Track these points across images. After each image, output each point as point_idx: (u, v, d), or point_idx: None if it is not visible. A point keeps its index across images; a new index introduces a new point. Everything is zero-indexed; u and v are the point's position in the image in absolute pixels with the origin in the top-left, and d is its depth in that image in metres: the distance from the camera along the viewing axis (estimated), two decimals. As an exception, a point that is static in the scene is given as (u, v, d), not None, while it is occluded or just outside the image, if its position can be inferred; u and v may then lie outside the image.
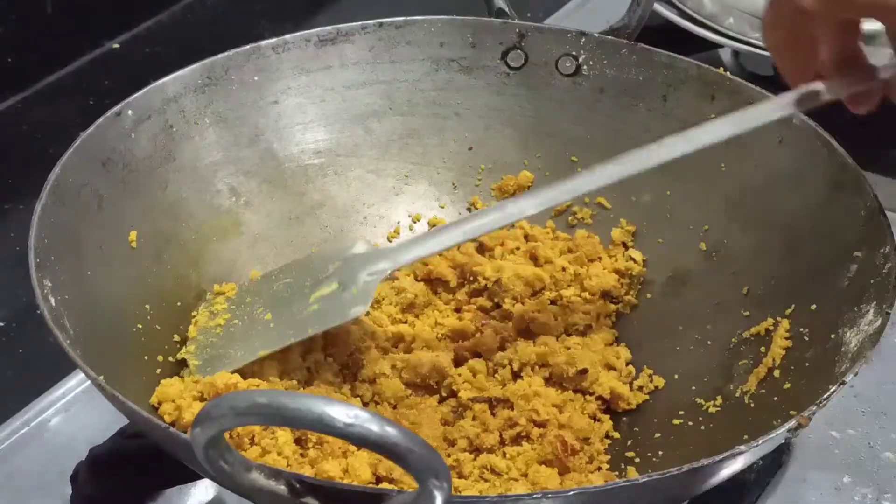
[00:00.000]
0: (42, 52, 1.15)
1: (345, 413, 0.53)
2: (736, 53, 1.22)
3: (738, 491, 0.80)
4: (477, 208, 0.95)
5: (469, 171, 0.96)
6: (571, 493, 0.61)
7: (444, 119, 0.96)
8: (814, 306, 0.79)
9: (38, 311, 0.70)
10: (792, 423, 0.64)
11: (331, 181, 0.94)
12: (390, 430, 0.54)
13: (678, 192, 0.90)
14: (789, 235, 0.83)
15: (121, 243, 0.83)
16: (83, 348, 0.70)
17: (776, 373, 0.77)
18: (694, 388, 0.82)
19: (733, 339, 0.82)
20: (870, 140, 1.01)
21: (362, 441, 0.53)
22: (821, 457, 0.84)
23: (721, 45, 1.17)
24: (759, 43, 1.14)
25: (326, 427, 0.53)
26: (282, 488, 0.60)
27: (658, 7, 1.16)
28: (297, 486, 0.61)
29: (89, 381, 0.69)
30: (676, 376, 0.83)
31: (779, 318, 0.80)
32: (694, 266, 0.88)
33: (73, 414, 0.87)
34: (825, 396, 0.65)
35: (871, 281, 0.75)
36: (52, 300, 0.72)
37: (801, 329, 0.79)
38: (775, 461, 0.82)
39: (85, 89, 1.14)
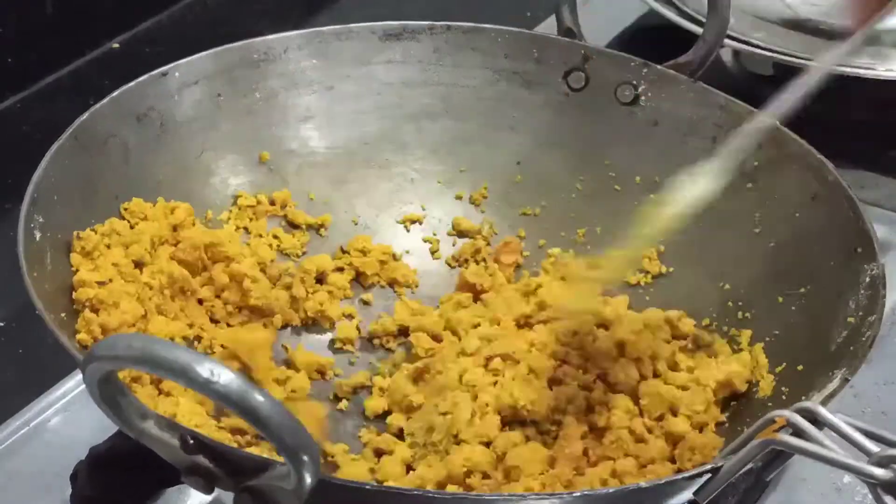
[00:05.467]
0: (42, 52, 1.17)
1: (209, 369, 0.53)
2: (736, 53, 1.20)
3: (738, 491, 0.77)
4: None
5: (512, 185, 0.95)
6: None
7: (497, 130, 0.96)
8: (801, 367, 0.76)
9: (38, 311, 0.69)
10: (696, 471, 0.62)
11: (373, 173, 0.95)
12: (254, 395, 0.54)
13: (708, 236, 0.88)
14: (803, 293, 0.81)
15: (139, 197, 0.84)
16: (53, 286, 0.72)
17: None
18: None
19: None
20: (870, 140, 0.98)
21: (223, 400, 0.53)
22: None
23: (721, 46, 1.13)
24: (759, 43, 1.12)
25: (191, 380, 0.53)
26: (174, 442, 0.61)
27: (658, 7, 1.14)
28: (191, 441, 0.61)
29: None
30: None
31: (766, 375, 0.78)
32: (709, 311, 0.86)
33: (73, 414, 0.87)
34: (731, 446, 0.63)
35: (851, 348, 0.72)
36: (38, 235, 0.74)
37: (783, 388, 0.76)
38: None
39: (85, 89, 1.14)
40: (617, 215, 0.92)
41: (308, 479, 0.56)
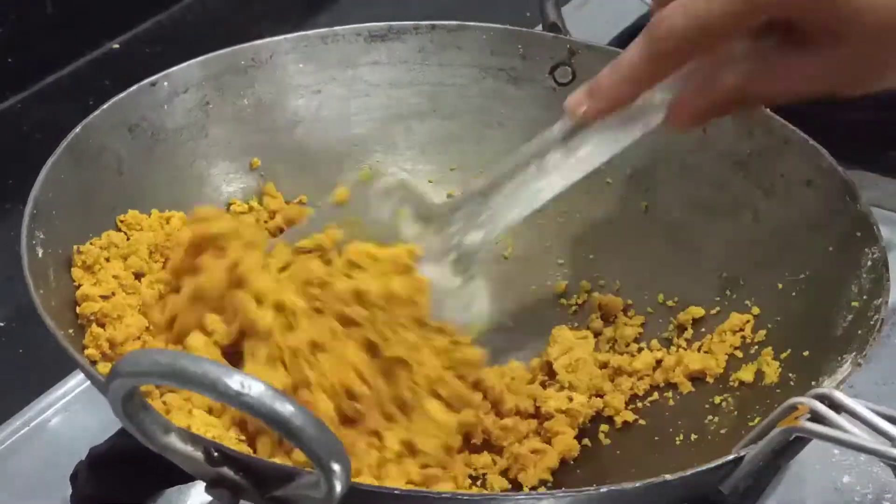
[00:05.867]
0: (42, 52, 1.17)
1: (239, 381, 0.53)
2: None
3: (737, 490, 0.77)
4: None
5: (503, 182, 0.95)
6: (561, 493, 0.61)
7: (486, 127, 0.96)
8: (807, 353, 0.77)
9: (50, 329, 0.69)
10: (720, 461, 0.62)
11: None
12: (285, 406, 0.53)
13: (704, 225, 0.88)
14: (802, 279, 0.81)
15: (134, 209, 0.84)
16: (59, 302, 0.72)
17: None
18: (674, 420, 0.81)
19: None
20: (870, 140, 0.99)
21: (254, 411, 0.53)
22: (820, 457, 0.81)
23: None
24: None
25: (220, 393, 0.53)
26: (198, 454, 0.61)
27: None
28: (215, 454, 0.61)
29: (89, 382, 0.70)
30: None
31: (772, 362, 0.78)
32: (705, 298, 0.86)
33: (73, 414, 0.87)
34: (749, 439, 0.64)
35: (859, 332, 0.72)
36: (40, 251, 0.74)
37: (790, 374, 0.77)
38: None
39: (85, 90, 1.14)
40: (609, 207, 0.92)
41: (338, 488, 0.56)
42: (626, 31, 1.17)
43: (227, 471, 0.61)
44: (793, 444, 0.65)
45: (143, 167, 0.86)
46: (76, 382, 0.88)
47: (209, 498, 0.77)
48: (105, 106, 0.84)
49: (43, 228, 0.75)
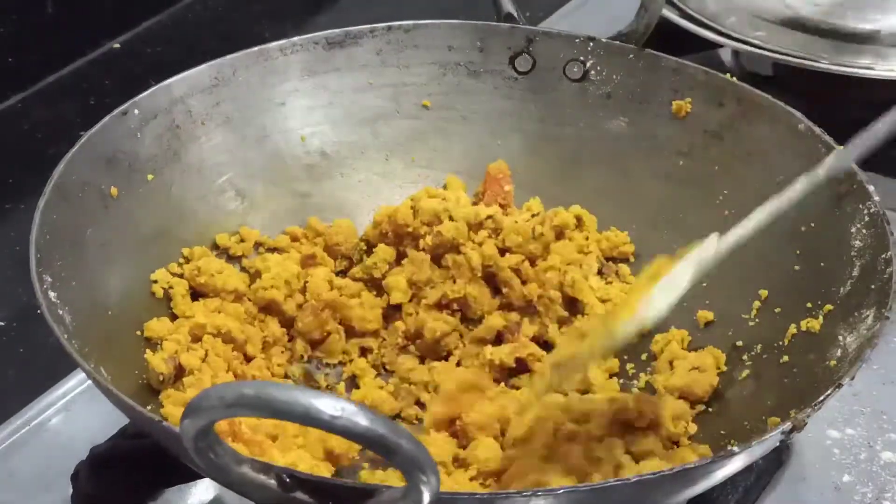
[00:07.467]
0: (42, 51, 1.16)
1: (332, 406, 0.53)
2: (736, 53, 1.20)
3: (738, 490, 0.79)
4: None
5: (475, 174, 0.95)
6: (561, 490, 0.61)
7: (451, 122, 0.96)
8: (817, 312, 0.78)
9: (39, 311, 0.70)
10: (786, 426, 0.63)
11: (337, 183, 0.95)
12: (378, 424, 0.53)
13: (688, 196, 0.90)
14: (800, 241, 0.82)
15: (124, 242, 0.83)
16: (81, 342, 0.72)
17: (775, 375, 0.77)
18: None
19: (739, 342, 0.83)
20: None
21: (349, 434, 0.53)
22: (820, 456, 0.83)
23: (721, 45, 1.15)
24: (760, 43, 1.11)
25: (313, 420, 0.53)
26: (271, 482, 0.60)
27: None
28: (287, 480, 0.61)
29: (89, 381, 0.69)
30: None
31: (785, 324, 0.80)
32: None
33: (74, 413, 0.87)
34: (821, 399, 0.65)
35: (872, 286, 0.74)
36: (52, 295, 0.73)
37: (804, 333, 0.78)
38: (775, 460, 0.81)
39: (86, 89, 1.14)
40: (585, 191, 0.93)
41: (427, 498, 0.56)
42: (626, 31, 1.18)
43: (301, 495, 0.61)
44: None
45: (126, 199, 0.84)
46: (76, 382, 0.88)
47: (209, 497, 0.79)
48: (81, 141, 0.82)
49: (49, 272, 0.74)
